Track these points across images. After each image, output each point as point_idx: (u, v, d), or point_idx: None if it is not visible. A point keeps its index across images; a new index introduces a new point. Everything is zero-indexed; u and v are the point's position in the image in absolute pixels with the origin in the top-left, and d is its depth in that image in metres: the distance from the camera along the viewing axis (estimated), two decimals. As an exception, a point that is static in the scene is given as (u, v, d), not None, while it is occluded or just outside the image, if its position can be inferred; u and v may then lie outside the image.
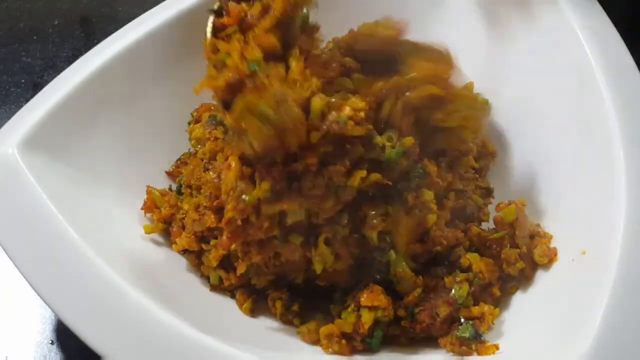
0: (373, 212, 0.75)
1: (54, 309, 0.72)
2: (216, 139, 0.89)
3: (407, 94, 0.77)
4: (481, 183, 0.88)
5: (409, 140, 0.75)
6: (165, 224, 0.88)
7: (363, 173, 0.73)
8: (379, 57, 0.83)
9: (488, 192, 0.89)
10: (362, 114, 0.72)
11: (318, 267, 0.78)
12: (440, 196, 0.81)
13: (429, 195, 0.78)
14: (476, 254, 0.80)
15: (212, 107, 0.95)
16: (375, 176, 0.74)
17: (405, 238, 0.77)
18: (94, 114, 0.88)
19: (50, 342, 0.88)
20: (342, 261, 0.78)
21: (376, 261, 0.78)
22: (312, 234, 0.77)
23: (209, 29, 0.76)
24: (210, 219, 0.83)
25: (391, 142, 0.75)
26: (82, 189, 0.84)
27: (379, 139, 0.73)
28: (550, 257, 0.79)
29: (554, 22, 0.89)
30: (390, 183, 0.75)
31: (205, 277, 0.85)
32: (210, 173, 0.84)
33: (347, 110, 0.71)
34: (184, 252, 0.86)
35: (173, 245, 0.85)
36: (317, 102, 0.71)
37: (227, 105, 0.72)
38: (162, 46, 0.94)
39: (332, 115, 0.71)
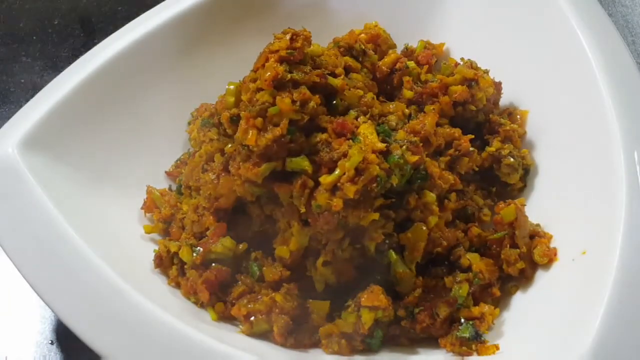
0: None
1: (54, 308, 0.73)
2: (211, 140, 0.89)
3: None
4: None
5: (414, 157, 0.76)
6: (165, 223, 0.88)
7: (376, 215, 0.74)
8: None
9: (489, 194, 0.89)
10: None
11: (319, 287, 0.78)
12: (441, 197, 0.81)
13: (430, 197, 0.78)
14: (476, 254, 0.80)
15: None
16: (381, 201, 0.75)
17: (420, 254, 0.78)
18: (94, 114, 0.88)
19: (50, 342, 0.88)
20: (345, 276, 0.79)
21: (377, 263, 0.79)
22: (312, 255, 0.78)
23: None
24: (209, 220, 0.83)
25: (402, 170, 0.75)
26: (82, 188, 0.84)
27: (394, 177, 0.74)
28: (550, 257, 0.79)
29: (554, 22, 0.89)
30: (394, 199, 0.76)
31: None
32: (210, 174, 0.84)
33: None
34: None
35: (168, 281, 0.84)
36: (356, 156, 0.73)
37: None
38: (162, 46, 0.94)
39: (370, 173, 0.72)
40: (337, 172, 0.73)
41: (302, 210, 0.74)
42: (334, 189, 0.72)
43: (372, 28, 0.98)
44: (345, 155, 0.73)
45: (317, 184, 0.74)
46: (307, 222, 0.75)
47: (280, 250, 0.78)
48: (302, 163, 0.74)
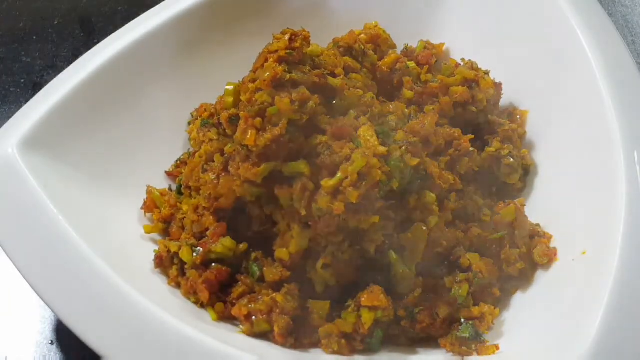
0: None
1: (54, 309, 0.72)
2: (211, 140, 0.88)
3: None
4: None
5: (414, 160, 0.76)
6: (165, 224, 0.88)
7: (376, 219, 0.74)
8: None
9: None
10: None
11: (319, 288, 0.79)
12: (441, 197, 0.81)
13: (431, 197, 0.78)
14: (476, 254, 0.80)
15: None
16: (381, 203, 0.75)
17: (420, 254, 0.78)
18: (94, 114, 0.88)
19: (50, 342, 0.88)
20: (346, 277, 0.79)
21: (377, 263, 0.78)
22: (311, 257, 0.78)
23: None
24: (209, 220, 0.83)
25: (402, 173, 0.75)
26: (82, 189, 0.84)
27: (394, 181, 0.74)
28: (550, 257, 0.79)
29: (554, 22, 0.89)
30: (393, 202, 0.76)
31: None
32: (210, 174, 0.84)
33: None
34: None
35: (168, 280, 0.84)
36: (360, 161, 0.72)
37: None
38: (162, 46, 0.94)
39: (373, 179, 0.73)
40: (339, 175, 0.73)
41: (303, 213, 0.74)
42: (335, 192, 0.72)
43: (372, 28, 0.98)
44: (347, 159, 0.73)
45: (318, 186, 0.74)
46: (307, 225, 0.75)
47: (280, 252, 0.78)
48: (299, 166, 0.74)
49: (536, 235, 0.81)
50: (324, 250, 0.77)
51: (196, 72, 0.98)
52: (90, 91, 0.88)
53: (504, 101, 0.93)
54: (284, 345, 0.76)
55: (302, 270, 0.79)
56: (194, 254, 0.81)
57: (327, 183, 0.73)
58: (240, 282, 0.80)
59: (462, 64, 0.92)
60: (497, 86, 0.90)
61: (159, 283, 0.82)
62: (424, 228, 0.77)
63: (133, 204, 0.89)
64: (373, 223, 0.74)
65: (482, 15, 0.97)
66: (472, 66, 0.91)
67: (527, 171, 0.88)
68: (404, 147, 0.76)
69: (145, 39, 0.93)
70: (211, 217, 0.82)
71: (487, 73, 0.91)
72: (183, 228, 0.85)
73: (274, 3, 1.01)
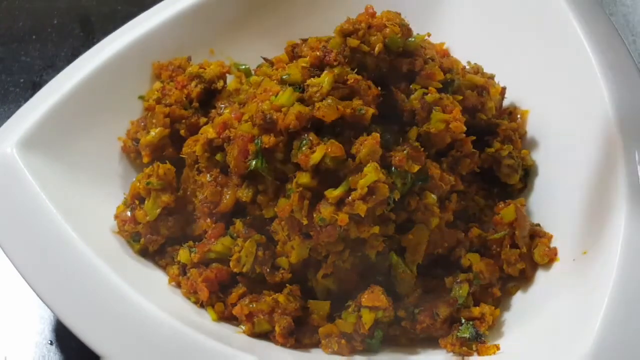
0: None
1: (53, 309, 0.72)
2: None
3: None
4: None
5: (415, 167, 0.75)
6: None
7: (377, 229, 0.74)
8: None
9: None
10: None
11: (321, 296, 0.79)
12: (442, 198, 0.81)
13: (431, 198, 0.77)
14: (476, 254, 0.80)
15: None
16: (382, 210, 0.74)
17: (421, 255, 0.78)
18: (93, 114, 0.88)
19: (49, 342, 0.88)
20: (347, 283, 0.78)
21: (378, 264, 0.78)
22: (312, 265, 0.78)
23: None
24: (205, 223, 0.82)
25: (404, 179, 0.75)
26: (82, 189, 0.84)
27: (396, 192, 0.74)
28: (551, 257, 0.79)
29: (555, 22, 0.89)
30: (393, 206, 0.75)
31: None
32: (207, 176, 0.83)
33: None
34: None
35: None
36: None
37: None
38: (161, 46, 0.94)
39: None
40: (344, 186, 0.72)
41: (305, 222, 0.73)
42: (339, 202, 0.72)
43: None
44: (352, 170, 0.73)
45: (315, 195, 0.73)
46: (307, 235, 0.75)
47: (280, 260, 0.78)
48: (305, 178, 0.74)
49: (536, 235, 0.81)
50: (325, 259, 0.76)
51: (195, 71, 0.98)
52: (89, 90, 0.88)
53: (504, 100, 0.92)
54: (284, 345, 0.76)
55: (303, 273, 0.79)
56: (191, 254, 0.81)
57: (332, 193, 0.72)
58: (240, 283, 0.80)
59: (467, 67, 0.91)
60: (502, 91, 0.90)
61: (159, 283, 0.82)
62: (425, 229, 0.77)
63: (133, 204, 0.89)
64: (374, 233, 0.74)
65: (483, 14, 0.97)
66: (479, 70, 0.90)
67: (527, 171, 0.87)
68: (406, 151, 0.75)
69: (145, 39, 0.93)
70: (208, 220, 0.82)
71: (491, 77, 0.90)
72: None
73: (274, 2, 1.01)
